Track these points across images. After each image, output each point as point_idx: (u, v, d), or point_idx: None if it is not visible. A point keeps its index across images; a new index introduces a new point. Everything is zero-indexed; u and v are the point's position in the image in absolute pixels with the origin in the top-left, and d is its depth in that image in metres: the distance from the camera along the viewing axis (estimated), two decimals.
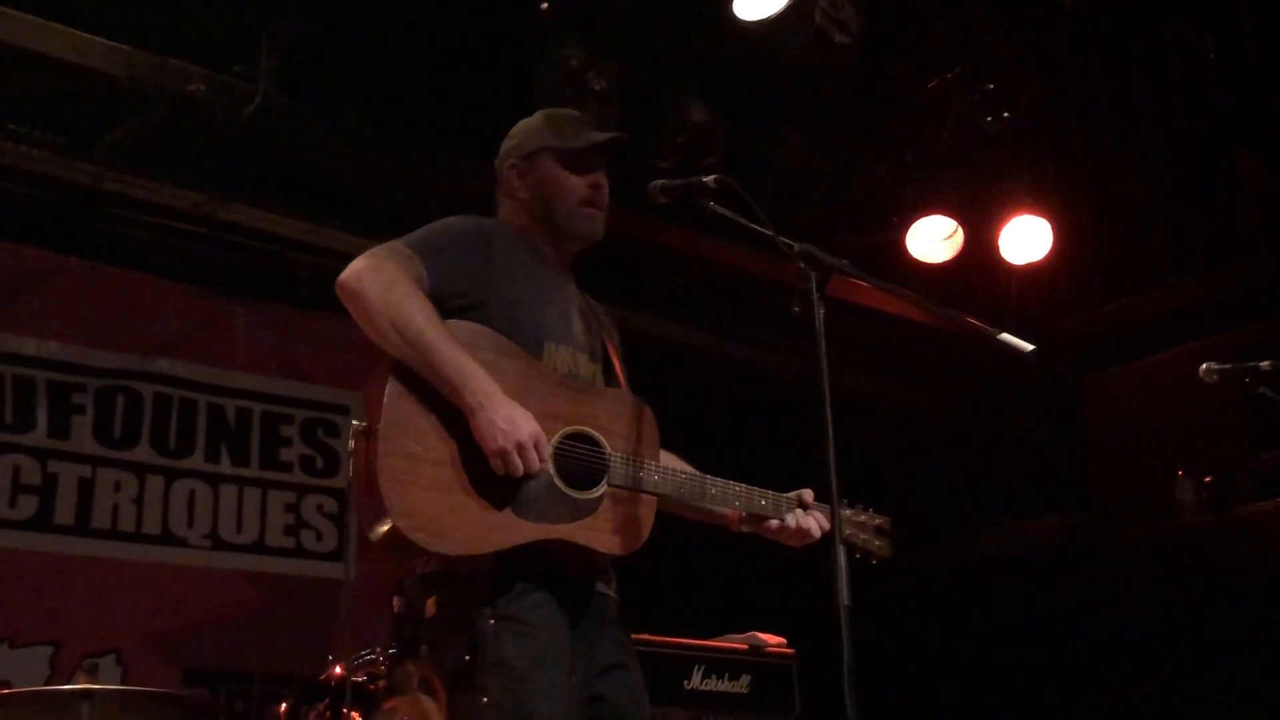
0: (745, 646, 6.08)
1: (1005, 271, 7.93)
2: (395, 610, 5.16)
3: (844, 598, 2.84)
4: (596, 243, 3.71)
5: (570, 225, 3.64)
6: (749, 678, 5.97)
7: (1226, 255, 7.94)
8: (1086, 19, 6.86)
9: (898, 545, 3.93)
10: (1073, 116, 7.62)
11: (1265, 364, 4.46)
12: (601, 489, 3.34)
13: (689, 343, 8.09)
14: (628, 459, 3.40)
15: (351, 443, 3.20)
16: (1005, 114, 7.04)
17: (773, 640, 6.19)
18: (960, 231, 7.60)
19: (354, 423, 3.20)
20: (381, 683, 4.97)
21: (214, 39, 5.79)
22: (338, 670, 5.04)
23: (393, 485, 3.09)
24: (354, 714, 5.01)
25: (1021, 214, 7.55)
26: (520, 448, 3.15)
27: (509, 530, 3.19)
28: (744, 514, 3.72)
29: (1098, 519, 8.95)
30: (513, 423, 3.15)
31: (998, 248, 7.62)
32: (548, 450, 3.24)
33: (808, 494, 3.73)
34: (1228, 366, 4.49)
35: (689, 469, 3.65)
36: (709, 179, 3.49)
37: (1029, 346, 3.26)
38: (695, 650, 5.84)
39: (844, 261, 3.27)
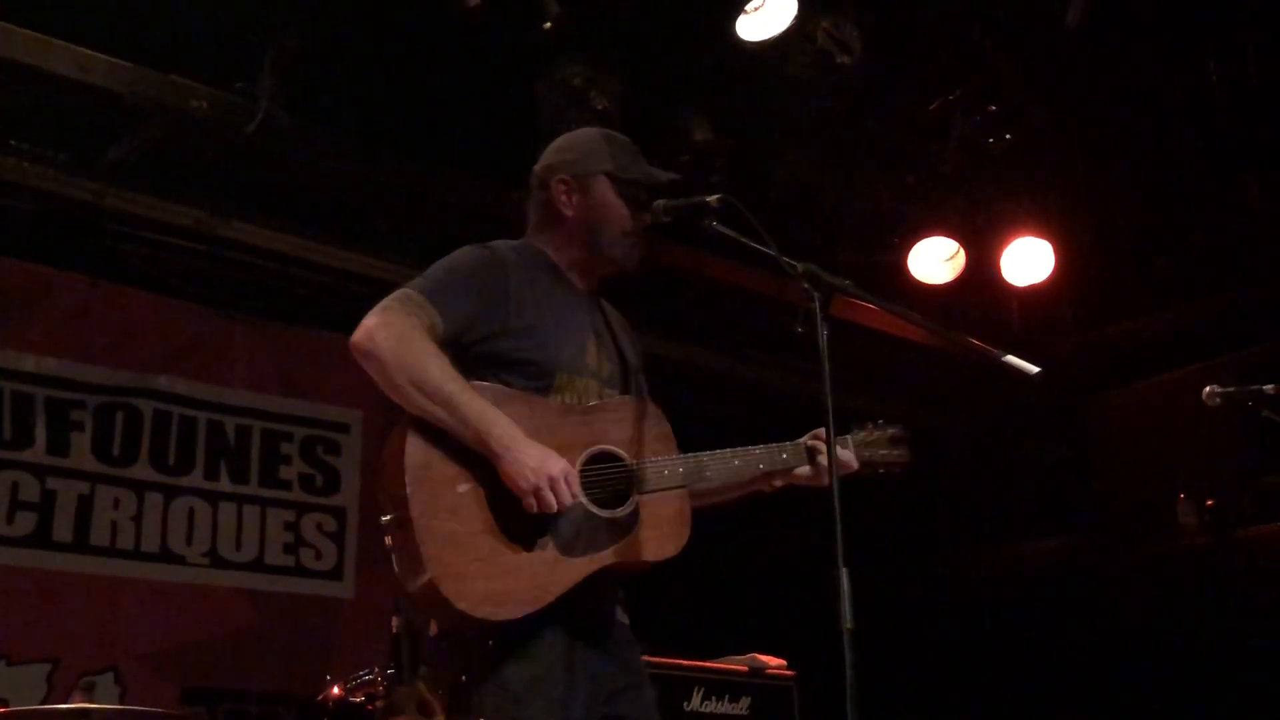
0: (745, 668, 6.05)
1: (1007, 293, 7.92)
2: (394, 630, 5.13)
3: (847, 621, 2.82)
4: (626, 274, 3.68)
5: (612, 252, 3.60)
6: (749, 699, 5.93)
7: (1230, 277, 7.94)
8: (1089, 41, 6.85)
9: (915, 449, 3.95)
10: (1075, 138, 7.61)
11: (1269, 387, 4.43)
12: (634, 501, 3.32)
13: (692, 362, 8.08)
14: (648, 462, 3.37)
15: (388, 539, 3.21)
16: (1007, 135, 7.04)
17: (773, 662, 6.16)
18: (962, 252, 7.59)
19: (383, 518, 3.21)
20: (380, 703, 4.94)
21: (216, 56, 5.79)
22: (336, 690, 5.01)
23: (443, 571, 3.10)
24: None
25: (1023, 235, 7.54)
26: (552, 482, 3.15)
27: (563, 573, 3.19)
28: (770, 471, 3.71)
29: (1100, 540, 8.95)
30: (541, 461, 3.16)
31: (999, 269, 7.61)
32: (578, 484, 3.23)
33: (820, 432, 3.69)
34: (1231, 390, 4.46)
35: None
36: (712, 198, 3.47)
37: (1034, 369, 3.24)
38: (695, 671, 5.81)
39: (847, 282, 3.25)
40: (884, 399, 8.79)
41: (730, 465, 3.56)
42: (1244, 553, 8.00)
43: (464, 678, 3.21)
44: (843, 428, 3.81)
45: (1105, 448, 9.18)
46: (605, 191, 3.59)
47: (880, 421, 3.94)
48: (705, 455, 3.51)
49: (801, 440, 3.73)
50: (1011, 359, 3.27)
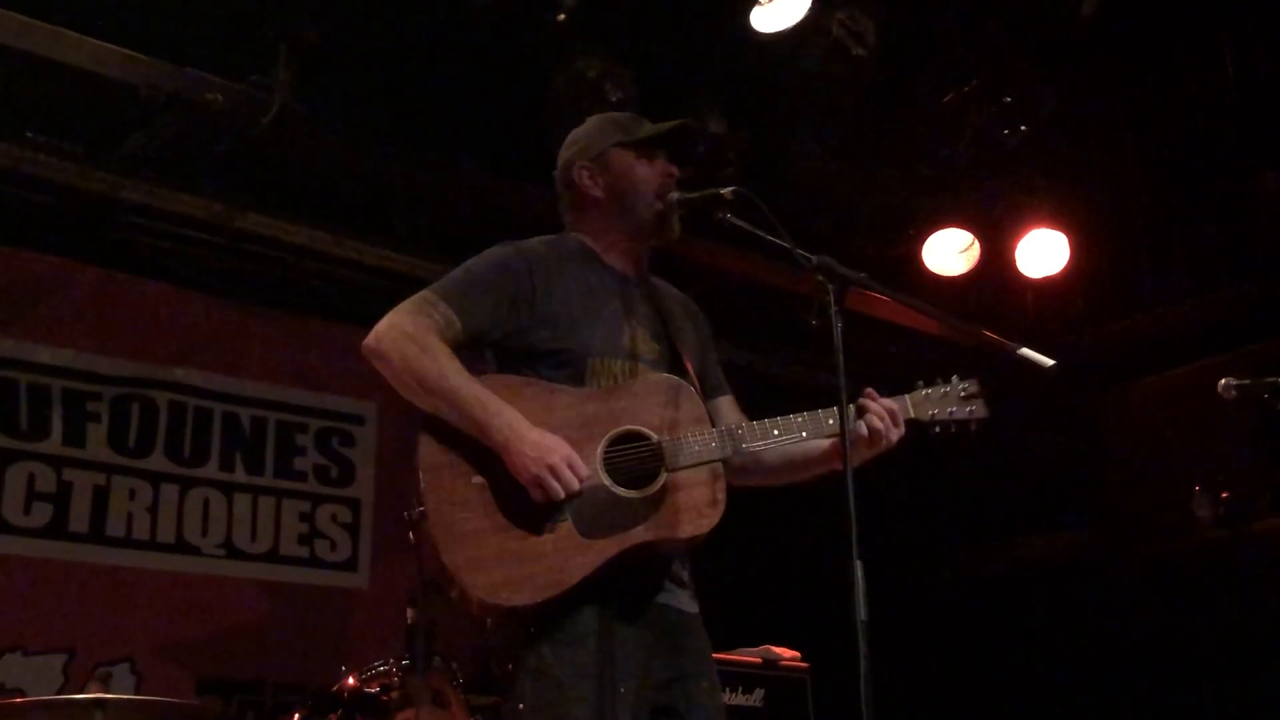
0: (759, 660, 6.06)
1: (1021, 285, 7.90)
2: (409, 621, 5.14)
3: (861, 613, 2.81)
4: (672, 242, 3.66)
5: (649, 218, 3.59)
6: (763, 691, 5.95)
7: (1244, 270, 7.90)
8: (1104, 33, 6.84)
9: (991, 402, 3.67)
10: (1090, 130, 7.59)
11: None
12: (662, 478, 3.28)
13: None
14: (676, 440, 3.32)
15: (412, 534, 3.23)
16: (1022, 127, 7.01)
17: (787, 654, 6.17)
18: (977, 244, 7.58)
19: (406, 514, 3.24)
20: (394, 694, 4.96)
21: (231, 48, 5.80)
22: (350, 681, 5.02)
23: (460, 564, 3.12)
24: None
25: (1038, 227, 7.53)
26: (553, 470, 3.14)
27: (587, 555, 3.18)
28: (825, 445, 3.53)
29: (1114, 535, 8.92)
30: (539, 448, 3.15)
31: (1014, 261, 7.60)
32: (587, 468, 3.21)
33: (870, 393, 3.54)
34: (1247, 382, 4.45)
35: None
36: (726, 190, 3.47)
37: (1049, 361, 3.22)
38: None
39: (862, 274, 3.24)
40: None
41: (770, 434, 3.44)
42: (1259, 546, 7.97)
43: (510, 666, 3.23)
44: (907, 386, 3.65)
45: (1119, 441, 9.16)
46: (624, 160, 3.61)
47: (953, 378, 3.71)
48: (739, 427, 3.43)
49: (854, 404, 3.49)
50: (1028, 351, 3.25)
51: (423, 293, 3.38)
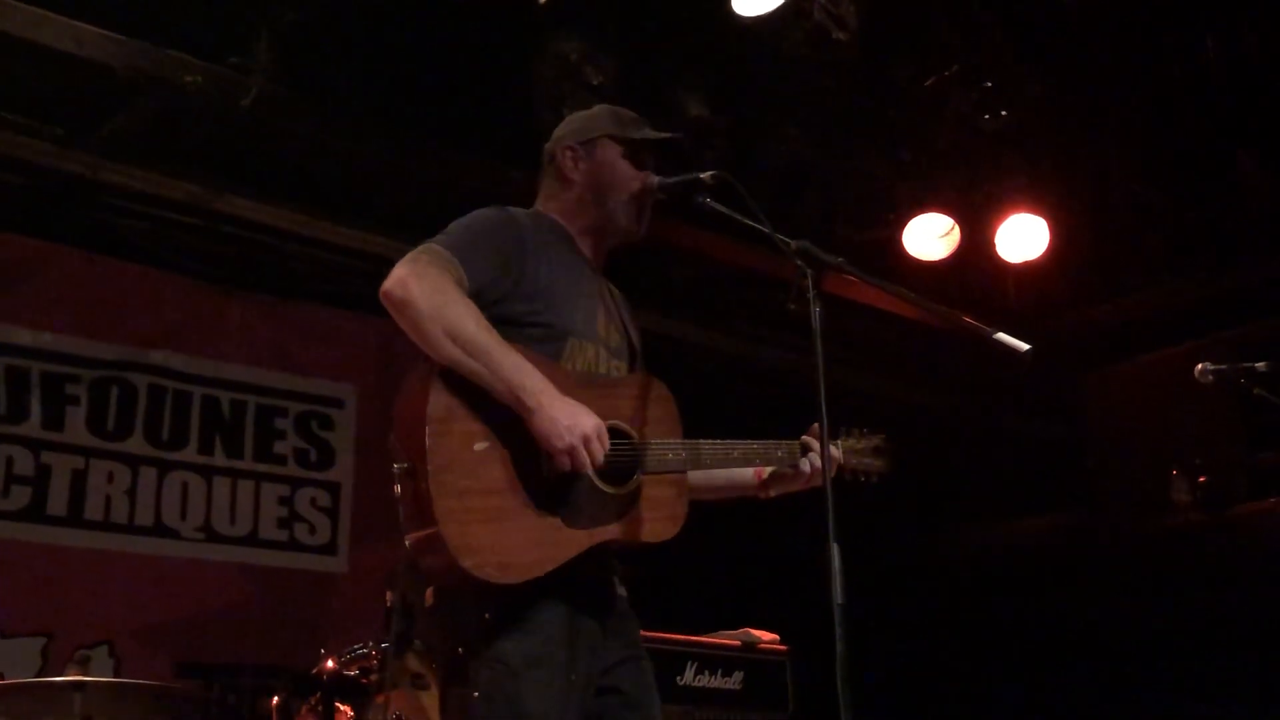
0: (738, 643, 6.08)
1: (1002, 269, 7.90)
2: (388, 604, 5.15)
3: (838, 596, 2.83)
4: (633, 243, 3.68)
5: (619, 215, 3.61)
6: (742, 674, 5.96)
7: (1224, 255, 7.93)
8: (1086, 17, 6.84)
9: (895, 459, 4.02)
10: (1071, 114, 7.59)
11: (1261, 365, 4.44)
12: (637, 479, 3.32)
13: (686, 338, 8.09)
14: (654, 443, 3.38)
15: (398, 487, 3.16)
16: (1003, 112, 7.01)
17: (766, 637, 6.18)
18: (957, 229, 7.57)
19: (395, 466, 3.16)
20: (374, 676, 4.96)
21: (211, 30, 5.77)
22: (330, 664, 5.03)
23: (453, 528, 3.04)
24: (346, 708, 5.01)
25: (1019, 212, 7.52)
26: (586, 441, 3.13)
27: (565, 544, 3.18)
28: (766, 474, 3.79)
29: (1094, 518, 8.97)
30: (575, 418, 3.13)
31: (994, 246, 7.60)
32: (608, 440, 3.21)
33: (814, 430, 3.70)
34: (1223, 367, 4.47)
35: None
36: (706, 175, 3.48)
37: (1025, 346, 3.23)
38: (688, 646, 5.84)
39: (840, 259, 3.26)
40: (878, 375, 8.81)
41: (729, 455, 3.58)
42: (1237, 530, 8.02)
43: (460, 650, 3.20)
44: (832, 431, 3.79)
45: (1100, 425, 9.20)
46: (609, 153, 3.62)
47: (865, 430, 3.99)
48: (705, 443, 3.52)
49: (797, 441, 3.75)
50: (1002, 336, 3.26)
51: (431, 246, 3.31)
